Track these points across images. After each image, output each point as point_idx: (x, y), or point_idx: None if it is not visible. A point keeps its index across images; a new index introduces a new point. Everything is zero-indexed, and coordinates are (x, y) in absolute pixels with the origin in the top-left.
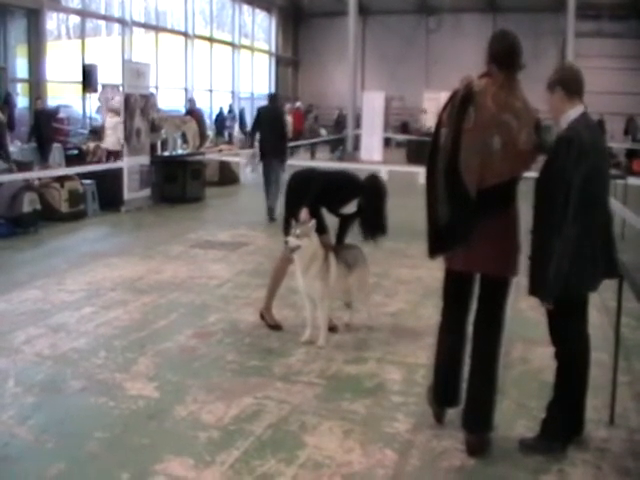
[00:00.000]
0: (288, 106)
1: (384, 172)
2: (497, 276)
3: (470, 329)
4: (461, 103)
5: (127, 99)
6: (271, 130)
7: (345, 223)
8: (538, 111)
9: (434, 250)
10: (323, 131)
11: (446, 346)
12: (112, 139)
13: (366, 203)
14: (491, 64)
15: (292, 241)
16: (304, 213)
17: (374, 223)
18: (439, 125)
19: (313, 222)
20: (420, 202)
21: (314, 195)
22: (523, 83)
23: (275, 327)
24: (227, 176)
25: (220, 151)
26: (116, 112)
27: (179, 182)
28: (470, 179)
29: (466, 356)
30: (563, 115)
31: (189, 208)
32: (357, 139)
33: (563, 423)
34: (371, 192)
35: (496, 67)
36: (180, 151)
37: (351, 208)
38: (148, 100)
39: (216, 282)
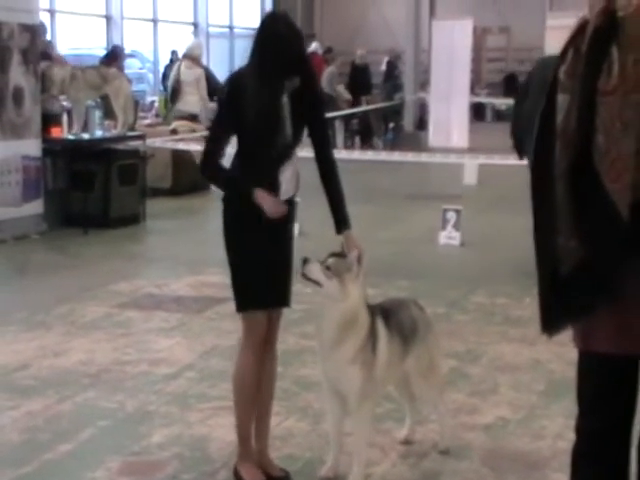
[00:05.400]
0: None
1: (473, 168)
2: None
3: (635, 453)
4: (593, 44)
5: None
6: None
7: None
8: None
9: (551, 319)
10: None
11: None
12: (193, 98)
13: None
14: None
15: (312, 269)
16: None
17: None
18: (553, 89)
19: (355, 254)
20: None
21: None
22: None
23: None
24: (187, 179)
25: (174, 132)
26: (195, 60)
27: (98, 189)
28: (618, 184)
29: None
30: None
31: (117, 236)
32: (423, 109)
33: None
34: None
35: None
36: (100, 132)
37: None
38: (36, 35)
39: (166, 371)
